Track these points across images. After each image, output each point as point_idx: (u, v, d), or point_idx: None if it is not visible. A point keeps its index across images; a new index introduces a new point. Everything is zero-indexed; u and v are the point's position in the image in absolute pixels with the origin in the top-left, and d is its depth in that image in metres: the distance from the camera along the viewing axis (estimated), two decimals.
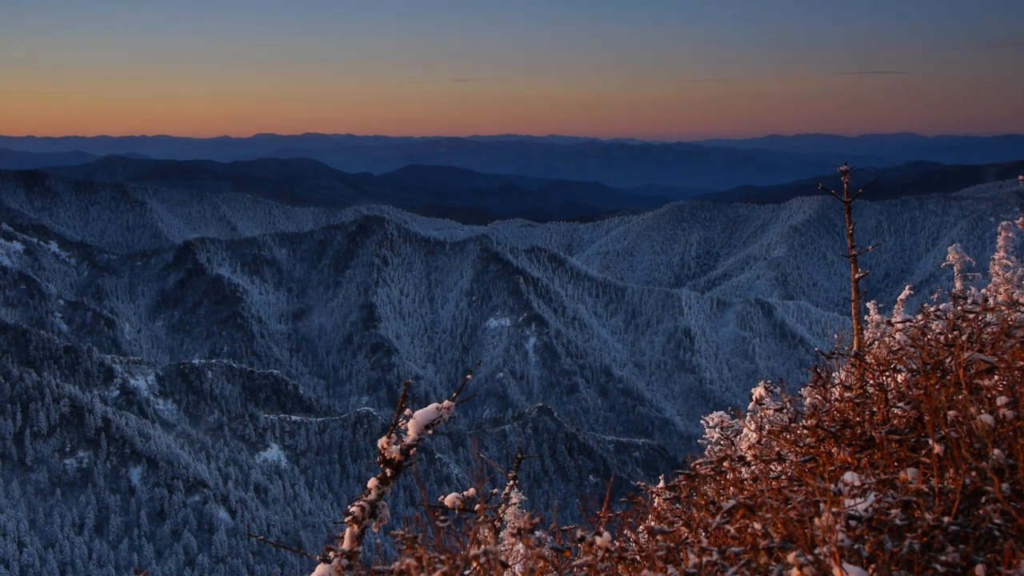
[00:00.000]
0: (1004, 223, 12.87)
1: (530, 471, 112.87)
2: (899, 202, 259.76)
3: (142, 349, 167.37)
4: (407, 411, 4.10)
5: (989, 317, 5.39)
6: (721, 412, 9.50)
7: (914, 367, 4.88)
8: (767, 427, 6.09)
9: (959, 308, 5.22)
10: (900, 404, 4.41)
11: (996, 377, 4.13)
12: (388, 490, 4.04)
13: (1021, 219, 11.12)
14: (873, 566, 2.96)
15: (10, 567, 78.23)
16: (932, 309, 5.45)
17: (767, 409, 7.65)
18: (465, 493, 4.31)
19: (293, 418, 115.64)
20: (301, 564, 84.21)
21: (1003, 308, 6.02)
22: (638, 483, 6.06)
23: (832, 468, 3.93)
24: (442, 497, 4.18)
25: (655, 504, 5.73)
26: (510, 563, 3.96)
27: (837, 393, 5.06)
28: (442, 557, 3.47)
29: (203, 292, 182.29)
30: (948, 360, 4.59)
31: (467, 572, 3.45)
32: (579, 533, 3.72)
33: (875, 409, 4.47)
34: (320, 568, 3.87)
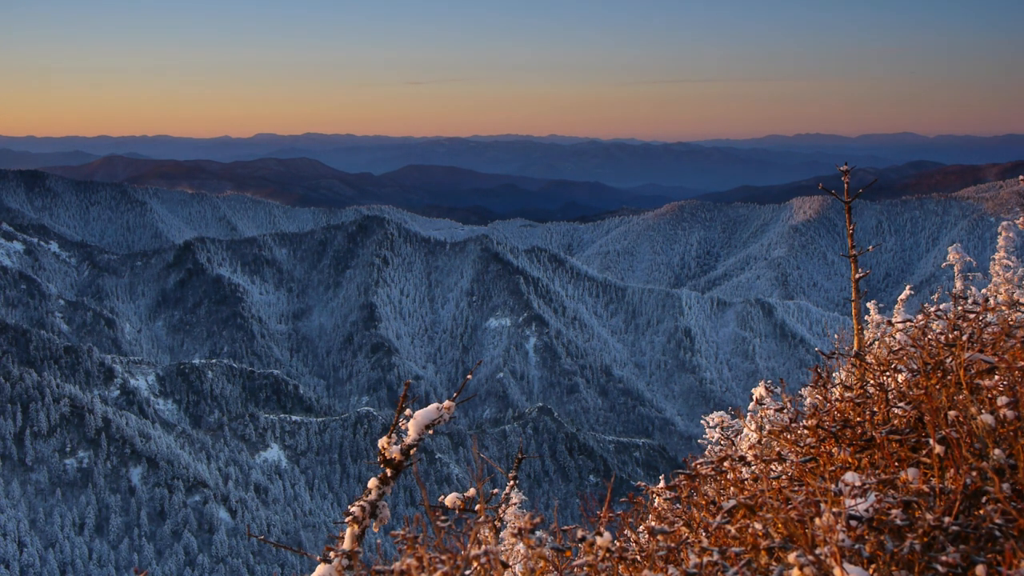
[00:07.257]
0: (1004, 223, 12.87)
1: (530, 471, 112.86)
2: (899, 202, 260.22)
3: (142, 349, 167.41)
4: (407, 411, 4.10)
5: (990, 317, 5.40)
6: (721, 412, 9.51)
7: (915, 367, 4.87)
8: (767, 427, 6.09)
9: (959, 308, 5.22)
10: (900, 404, 4.41)
11: (997, 377, 4.13)
12: (388, 490, 4.04)
13: (1021, 219, 11.13)
14: (874, 566, 2.96)
15: (10, 567, 78.19)
16: (932, 309, 5.45)
17: (767, 409, 7.64)
18: (465, 493, 4.31)
19: (293, 418, 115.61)
20: (301, 564, 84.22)
21: (1003, 308, 6.03)
22: (638, 483, 6.06)
23: (833, 468, 3.92)
24: (442, 497, 4.18)
25: (655, 504, 5.73)
26: (511, 563, 3.96)
27: (837, 393, 5.06)
28: (443, 557, 3.47)
29: (203, 292, 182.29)
30: (949, 360, 4.59)
31: (468, 572, 3.44)
32: (580, 533, 3.72)
33: (876, 409, 4.47)
34: (320, 568, 3.87)
